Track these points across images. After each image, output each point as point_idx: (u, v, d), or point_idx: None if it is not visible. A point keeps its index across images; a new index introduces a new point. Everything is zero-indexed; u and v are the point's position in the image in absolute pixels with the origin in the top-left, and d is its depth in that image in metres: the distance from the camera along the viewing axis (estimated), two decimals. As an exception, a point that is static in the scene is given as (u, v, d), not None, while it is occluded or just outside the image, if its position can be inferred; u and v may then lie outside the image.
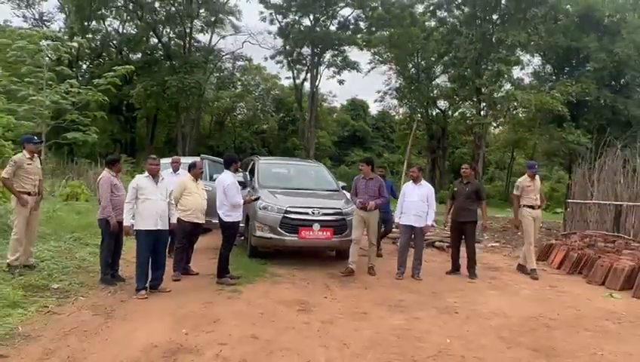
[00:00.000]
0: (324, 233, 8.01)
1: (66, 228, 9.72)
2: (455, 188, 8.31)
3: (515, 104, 26.36)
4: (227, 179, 6.78)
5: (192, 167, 7.36)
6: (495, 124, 30.98)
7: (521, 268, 8.66)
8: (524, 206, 8.36)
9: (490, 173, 38.65)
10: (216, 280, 6.89)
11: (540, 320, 5.86)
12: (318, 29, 31.70)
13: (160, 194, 6.20)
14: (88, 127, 14.71)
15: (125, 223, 6.10)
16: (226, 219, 6.79)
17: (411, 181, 7.84)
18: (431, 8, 29.87)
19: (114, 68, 14.95)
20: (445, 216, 8.56)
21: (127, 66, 16.11)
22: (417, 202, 7.64)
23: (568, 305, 6.63)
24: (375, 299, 6.47)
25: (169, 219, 6.33)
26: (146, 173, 6.26)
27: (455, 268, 8.34)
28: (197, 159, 8.14)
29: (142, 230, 6.06)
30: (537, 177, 8.51)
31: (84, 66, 35.87)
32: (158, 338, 4.65)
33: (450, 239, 8.84)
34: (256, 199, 7.64)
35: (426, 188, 7.75)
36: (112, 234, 6.42)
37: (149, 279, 6.23)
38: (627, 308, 6.59)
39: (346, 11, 32.26)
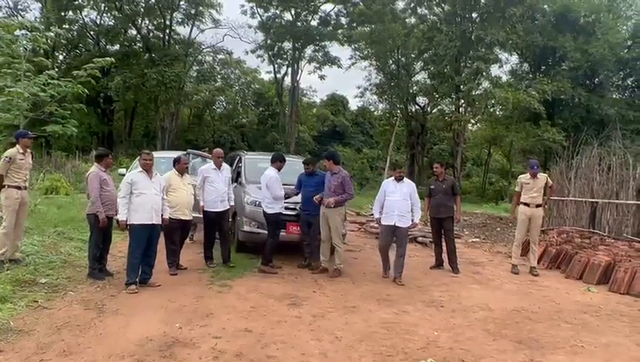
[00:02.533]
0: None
1: (48, 223, 9.62)
2: (432, 186, 8.41)
3: (493, 102, 26.77)
4: (271, 174, 7.41)
5: (176, 162, 7.28)
6: (473, 121, 31.33)
7: (531, 270, 8.46)
8: (520, 203, 8.43)
9: (467, 169, 39.14)
10: (260, 267, 7.48)
11: (522, 313, 6.07)
12: (299, 23, 31.65)
13: (154, 189, 6.24)
14: (67, 120, 14.47)
15: (121, 218, 6.09)
16: (268, 211, 7.40)
17: (392, 178, 7.55)
18: (412, 5, 30.04)
19: (94, 60, 14.73)
20: (425, 213, 8.71)
21: (108, 58, 15.85)
22: (400, 201, 7.31)
23: (548, 298, 6.86)
24: (363, 293, 6.61)
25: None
26: (139, 168, 6.27)
27: (438, 263, 8.53)
28: (182, 153, 8.19)
29: (136, 224, 6.09)
30: (541, 176, 8.40)
31: (61, 57, 35.13)
32: (152, 332, 4.69)
33: (431, 235, 8.97)
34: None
35: (408, 187, 7.45)
36: (101, 229, 6.39)
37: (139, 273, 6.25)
38: (604, 302, 6.86)
39: (328, 7, 32.32)
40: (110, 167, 6.65)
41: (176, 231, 7.09)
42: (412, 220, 7.44)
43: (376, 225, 9.61)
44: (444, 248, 8.47)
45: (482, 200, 28.77)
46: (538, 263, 8.77)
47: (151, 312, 5.33)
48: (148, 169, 6.28)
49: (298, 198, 7.93)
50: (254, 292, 6.30)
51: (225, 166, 7.75)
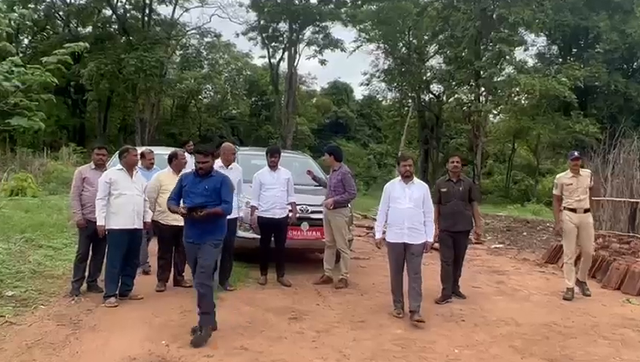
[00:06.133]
0: (314, 233, 8.13)
1: (14, 228, 9.62)
2: (443, 189, 7.13)
3: (518, 89, 26.80)
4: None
5: (172, 158, 7.15)
6: (495, 112, 31.42)
7: (580, 285, 7.78)
8: (564, 209, 7.65)
9: (488, 166, 39.19)
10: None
11: (553, 327, 6.09)
12: (297, 1, 31.74)
13: (136, 189, 6.28)
14: (34, 112, 14.50)
15: (99, 223, 6.12)
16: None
17: (399, 179, 6.45)
18: (425, -20, 30.20)
19: (64, 45, 14.76)
20: (434, 226, 6.87)
21: (81, 43, 15.88)
22: (411, 209, 6.20)
23: (583, 311, 6.87)
24: (373, 306, 6.65)
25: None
26: (119, 166, 6.31)
27: (446, 295, 7.12)
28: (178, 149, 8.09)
29: (115, 229, 6.12)
30: (584, 172, 7.66)
31: (26, 41, 35.26)
32: (135, 351, 4.73)
33: (440, 254, 7.32)
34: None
35: (420, 189, 6.33)
36: (88, 237, 6.39)
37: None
38: (646, 315, 6.87)
39: (329, -19, 32.37)
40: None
41: (168, 239, 6.96)
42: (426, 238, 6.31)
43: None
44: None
45: (506, 200, 28.83)
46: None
47: (133, 328, 5.36)
48: (132, 166, 6.35)
49: (297, 199, 7.94)
50: (250, 305, 6.34)
51: (235, 166, 7.35)
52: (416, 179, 6.45)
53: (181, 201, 5.37)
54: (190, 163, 8.69)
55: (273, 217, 7.47)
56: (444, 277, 7.17)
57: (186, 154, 7.65)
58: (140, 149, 7.55)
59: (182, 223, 6.57)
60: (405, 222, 6.19)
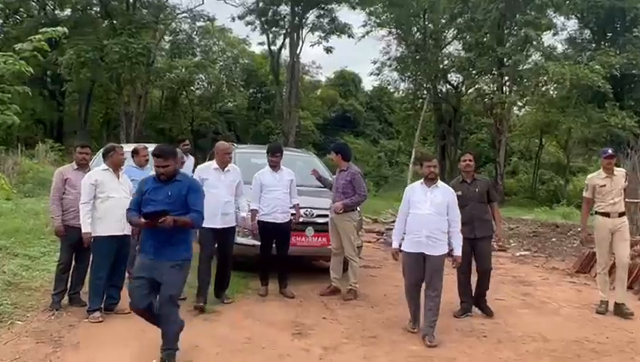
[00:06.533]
0: (320, 239, 8.19)
1: (-15, 235, 9.70)
2: (458, 193, 6.83)
3: (546, 78, 26.79)
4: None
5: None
6: (520, 104, 31.38)
7: (618, 308, 7.45)
8: (596, 213, 7.57)
9: (513, 165, 39.16)
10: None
11: (585, 344, 6.11)
12: (299, -19, 31.78)
13: (123, 191, 6.32)
14: (7, 106, 14.57)
15: (84, 230, 6.15)
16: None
17: (421, 181, 6.37)
18: (442, -44, 30.15)
19: (42, 30, 14.83)
20: None
21: (59, 28, 15.93)
22: (431, 216, 6.07)
23: (618, 326, 6.89)
24: (386, 319, 6.70)
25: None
26: (104, 166, 6.37)
27: (465, 309, 7.16)
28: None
29: (102, 236, 6.15)
30: (619, 172, 7.54)
31: (-3, 26, 35.39)
32: (123, 370, 4.77)
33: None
34: None
35: (445, 194, 6.24)
36: (70, 245, 6.43)
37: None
38: (690, 330, 6.88)
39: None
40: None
41: None
42: (450, 249, 6.21)
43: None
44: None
45: (533, 202, 28.81)
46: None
47: (120, 346, 5.41)
48: (118, 166, 6.40)
49: (301, 202, 7.99)
50: (250, 319, 6.40)
51: (232, 167, 7.32)
52: (441, 183, 6.35)
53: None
54: (189, 165, 8.78)
55: (274, 221, 7.51)
56: (460, 289, 7.19)
57: (184, 154, 7.72)
58: (129, 146, 7.61)
59: None
60: (424, 230, 6.06)
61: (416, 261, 6.12)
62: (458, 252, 6.16)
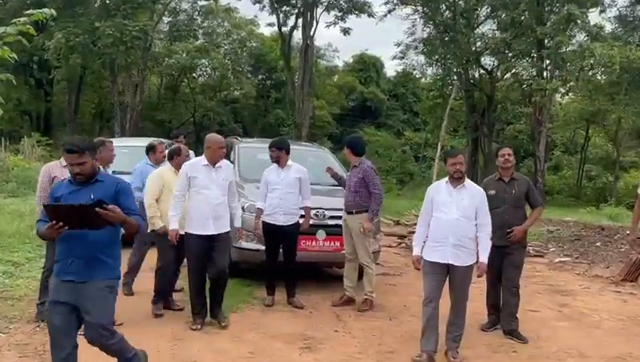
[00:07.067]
0: (332, 243, 8.27)
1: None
2: (491, 192, 6.77)
3: (592, 62, 26.58)
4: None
5: (174, 155, 7.31)
6: (563, 90, 31.18)
7: None
8: None
9: (555, 159, 38.97)
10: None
11: (628, 361, 6.15)
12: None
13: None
14: (-11, 96, 14.82)
15: None
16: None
17: (446, 180, 6.17)
18: None
19: (27, 12, 15.04)
20: None
21: (46, 10, 16.14)
22: (458, 221, 5.89)
23: (667, 341, 6.92)
24: (403, 332, 6.75)
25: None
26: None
27: (493, 321, 7.17)
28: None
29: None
30: None
31: (-24, 8, 35.72)
32: (115, 388, 4.87)
33: (486, 274, 6.84)
34: None
35: (474, 195, 6.06)
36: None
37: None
38: None
39: None
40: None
41: (169, 250, 7.03)
42: (477, 259, 6.05)
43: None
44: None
45: (577, 202, 28.67)
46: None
47: (112, 360, 5.52)
48: (105, 164, 6.51)
49: (312, 202, 8.09)
50: (254, 332, 6.49)
51: (225, 163, 7.05)
52: (468, 182, 6.15)
53: None
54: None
55: (275, 223, 7.62)
56: (489, 302, 7.18)
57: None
58: (123, 140, 7.73)
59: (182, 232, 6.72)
60: (450, 237, 5.85)
61: (440, 272, 5.94)
62: (484, 259, 5.99)
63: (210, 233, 6.66)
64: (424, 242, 6.10)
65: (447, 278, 5.97)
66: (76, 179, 4.44)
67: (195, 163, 6.94)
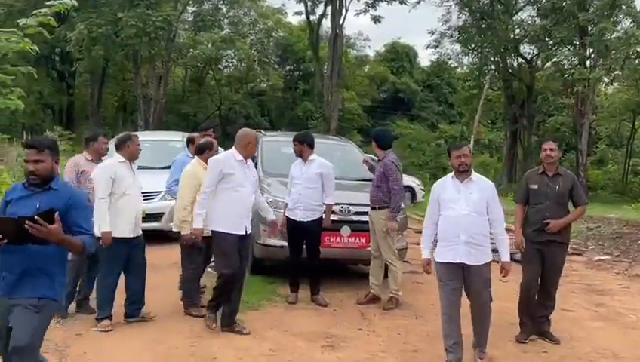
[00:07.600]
0: (357, 239, 8.34)
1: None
2: (533, 186, 6.74)
3: (638, 50, 26.31)
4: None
5: (205, 149, 7.31)
6: (607, 80, 30.85)
7: None
8: None
9: (599, 153, 38.54)
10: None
11: (665, 363, 6.17)
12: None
13: (138, 188, 6.63)
14: (10, 89, 15.08)
15: (104, 228, 6.22)
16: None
17: (451, 175, 5.98)
18: None
19: (48, 3, 15.27)
20: (517, 232, 6.84)
21: (67, 0, 16.42)
22: (469, 216, 5.70)
23: None
24: (429, 331, 6.79)
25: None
26: (120, 158, 6.58)
27: (528, 333, 6.77)
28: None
29: (113, 238, 6.31)
30: None
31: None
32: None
33: (522, 271, 6.88)
34: None
35: (483, 189, 5.88)
36: None
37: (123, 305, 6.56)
38: None
39: None
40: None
41: (197, 251, 7.14)
42: (496, 255, 5.95)
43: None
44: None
45: (622, 198, 28.33)
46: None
47: (130, 357, 5.68)
48: (135, 157, 6.65)
49: (337, 197, 8.12)
50: (275, 330, 6.60)
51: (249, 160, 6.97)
52: (476, 175, 5.96)
53: None
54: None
55: (295, 219, 7.74)
56: (522, 308, 6.80)
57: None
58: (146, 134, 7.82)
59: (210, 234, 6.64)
60: (461, 235, 5.64)
61: (455, 273, 5.72)
62: (506, 258, 5.81)
63: (242, 233, 6.53)
64: (434, 244, 6.02)
65: (463, 285, 5.79)
66: (30, 180, 4.08)
67: (228, 158, 6.67)
